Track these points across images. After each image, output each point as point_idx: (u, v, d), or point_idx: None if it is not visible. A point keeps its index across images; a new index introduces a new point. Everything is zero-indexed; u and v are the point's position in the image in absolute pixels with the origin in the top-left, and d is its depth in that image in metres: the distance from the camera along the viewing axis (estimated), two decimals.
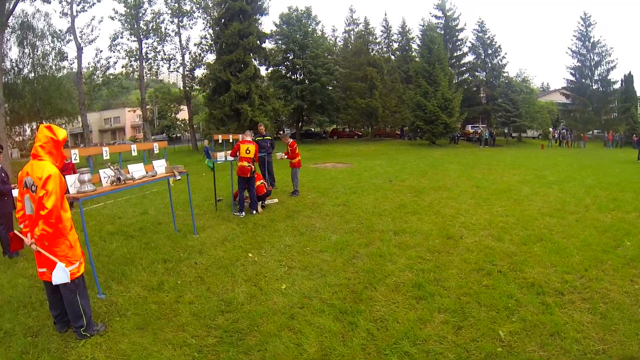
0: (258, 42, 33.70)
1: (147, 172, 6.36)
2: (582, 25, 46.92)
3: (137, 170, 6.23)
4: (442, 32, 45.68)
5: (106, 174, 5.63)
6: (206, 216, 9.09)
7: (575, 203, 9.28)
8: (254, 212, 9.06)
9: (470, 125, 45.60)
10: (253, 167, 9.05)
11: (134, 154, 6.96)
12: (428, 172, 16.11)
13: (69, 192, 4.69)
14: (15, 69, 31.70)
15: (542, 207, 8.83)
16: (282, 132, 40.71)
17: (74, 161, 5.73)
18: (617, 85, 46.40)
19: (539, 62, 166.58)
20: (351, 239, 6.83)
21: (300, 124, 47.48)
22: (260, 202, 9.47)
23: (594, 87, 47.09)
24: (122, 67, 36.50)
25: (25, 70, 32.48)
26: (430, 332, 3.75)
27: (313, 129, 53.58)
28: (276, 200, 10.34)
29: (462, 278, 4.96)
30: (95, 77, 35.74)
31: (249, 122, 30.15)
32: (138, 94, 44.35)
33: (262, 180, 9.71)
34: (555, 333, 3.67)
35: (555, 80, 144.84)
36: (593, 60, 46.75)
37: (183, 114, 54.34)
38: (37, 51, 32.81)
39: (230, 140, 10.12)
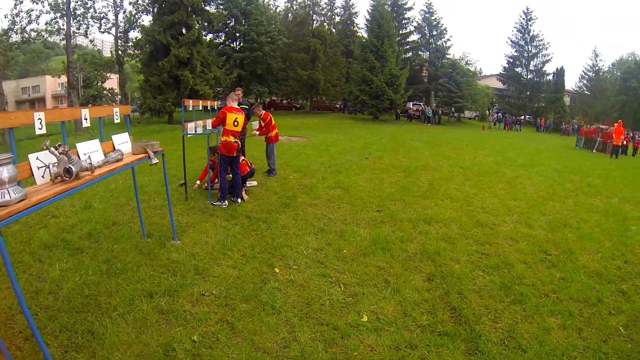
0: (202, 3, 31.11)
1: (107, 155, 3.91)
2: (523, 18, 50.29)
3: (91, 150, 3.70)
4: (390, 9, 44.94)
5: (43, 162, 3.16)
6: (177, 209, 6.75)
7: (560, 187, 9.73)
8: (239, 200, 7.18)
9: (411, 103, 45.76)
10: (239, 143, 7.12)
11: (85, 124, 3.86)
12: (398, 149, 15.50)
13: None
14: None
15: (537, 191, 9.03)
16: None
17: (36, 130, 3.06)
18: (550, 77, 50.33)
19: (472, 48, 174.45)
20: (385, 233, 5.59)
21: None
22: (243, 186, 7.65)
23: (528, 77, 50.57)
24: (46, 23, 31.32)
25: None
26: (562, 342, 3.43)
27: (249, 100, 51.26)
28: (255, 182, 8.59)
29: (534, 272, 4.68)
30: (13, 32, 30.03)
31: (189, 90, 27.81)
32: (58, 61, 39.46)
33: (242, 157, 7.85)
34: None
35: (486, 66, 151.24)
36: (530, 51, 50.22)
37: (110, 83, 50.07)
38: None
39: (200, 108, 8.03)
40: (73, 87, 31.34)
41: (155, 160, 4.55)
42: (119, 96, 40.05)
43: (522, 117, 49.38)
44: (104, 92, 50.37)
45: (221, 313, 3.61)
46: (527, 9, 49.99)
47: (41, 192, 2.91)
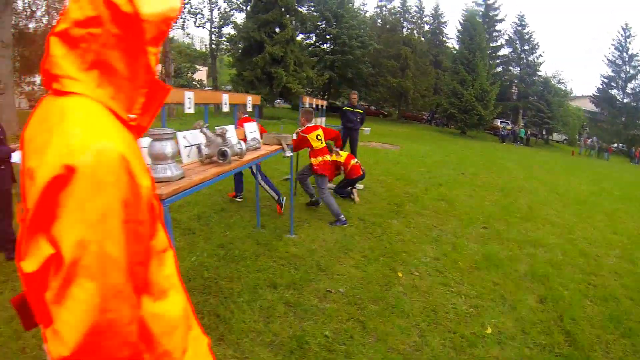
0: (296, 4, 31.79)
1: (239, 142, 3.64)
2: (621, 35, 45.41)
3: (231, 136, 3.56)
4: (481, 20, 43.48)
5: (189, 141, 3.19)
6: (286, 203, 6.56)
7: None
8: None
9: (499, 121, 44.30)
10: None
11: (225, 109, 4.09)
12: (491, 167, 15.32)
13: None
14: (28, 10, 28.28)
15: (637, 228, 8.52)
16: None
17: (185, 109, 3.27)
18: None
19: (564, 65, 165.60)
20: (495, 251, 5.66)
21: (326, 96, 44.62)
22: (352, 188, 7.90)
23: (625, 100, 45.58)
24: None
25: (39, 13, 29.04)
26: None
27: (337, 103, 51.71)
28: (362, 186, 8.79)
29: None
30: None
31: (281, 87, 28.87)
32: None
33: (355, 159, 7.86)
34: None
35: (577, 86, 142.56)
36: (628, 72, 45.20)
37: (198, 75, 52.54)
38: None
39: (318, 106, 7.96)
40: (169, 75, 33.08)
41: (289, 153, 4.62)
42: (208, 87, 41.81)
43: (615, 145, 45.45)
44: (193, 82, 52.92)
45: (351, 311, 3.66)
46: (626, 25, 44.94)
47: (196, 172, 2.83)
